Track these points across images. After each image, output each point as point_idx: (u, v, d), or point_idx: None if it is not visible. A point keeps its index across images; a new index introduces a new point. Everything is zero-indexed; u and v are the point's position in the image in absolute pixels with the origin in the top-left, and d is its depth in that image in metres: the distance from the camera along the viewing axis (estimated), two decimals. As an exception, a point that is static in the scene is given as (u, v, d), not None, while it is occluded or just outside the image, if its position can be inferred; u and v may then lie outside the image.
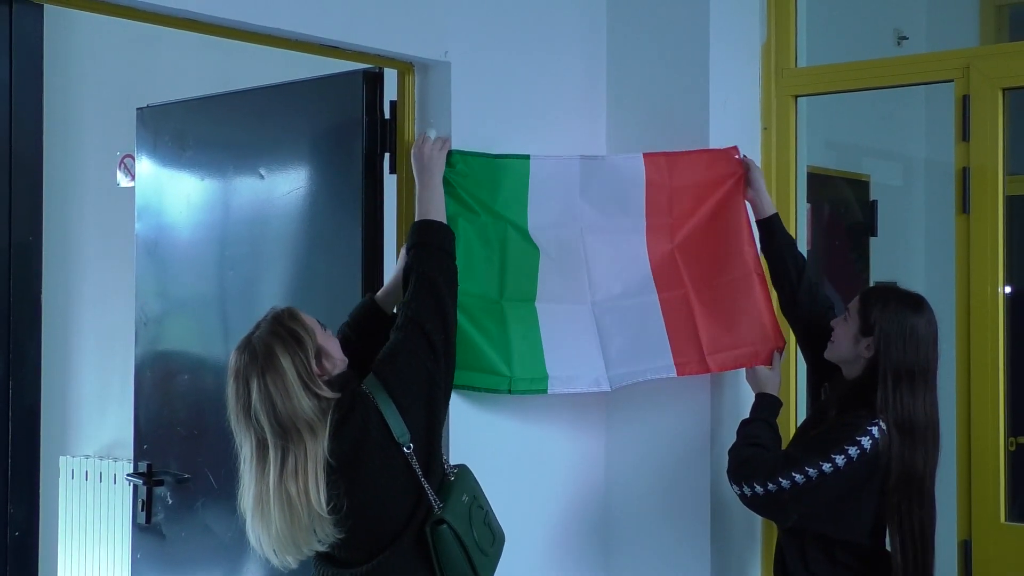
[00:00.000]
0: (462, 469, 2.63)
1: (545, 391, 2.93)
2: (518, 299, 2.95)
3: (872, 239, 4.73)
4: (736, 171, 3.14)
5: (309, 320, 2.51)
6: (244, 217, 3.66)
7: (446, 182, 2.91)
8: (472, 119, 3.25)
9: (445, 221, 2.81)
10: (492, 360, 2.91)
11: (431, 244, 2.67)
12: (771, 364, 3.04)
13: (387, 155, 3.30)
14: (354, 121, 3.30)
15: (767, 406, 2.95)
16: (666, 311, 3.03)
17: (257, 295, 3.61)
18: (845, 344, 2.87)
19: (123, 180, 5.42)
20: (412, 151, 2.87)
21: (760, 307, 3.06)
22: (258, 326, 2.49)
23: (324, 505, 2.36)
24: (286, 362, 2.40)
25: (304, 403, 2.39)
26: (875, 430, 2.74)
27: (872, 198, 4.76)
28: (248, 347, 2.43)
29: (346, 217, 3.35)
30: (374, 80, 3.28)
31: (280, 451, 2.39)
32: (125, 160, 5.38)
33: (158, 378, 3.89)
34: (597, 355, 2.97)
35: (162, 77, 5.11)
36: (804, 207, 3.63)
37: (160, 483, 3.82)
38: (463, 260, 2.86)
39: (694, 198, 3.10)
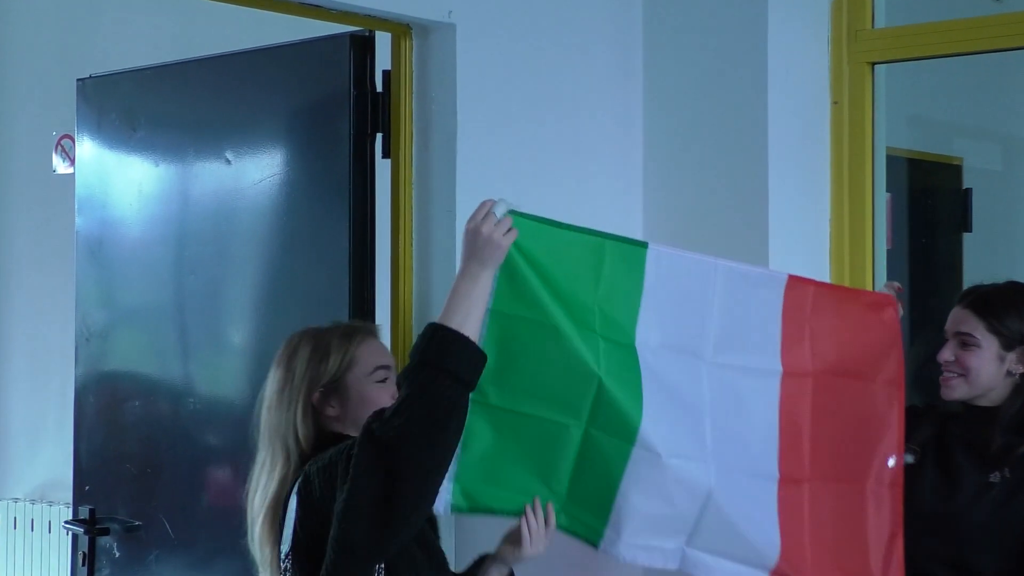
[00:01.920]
0: None
1: (596, 546, 2.68)
2: (608, 433, 2.60)
3: (965, 235, 4.75)
4: (895, 339, 2.93)
5: (372, 351, 2.58)
6: (207, 211, 3.67)
7: (510, 261, 2.49)
8: (480, 93, 3.28)
9: (474, 334, 2.39)
10: (527, 481, 2.62)
11: (433, 365, 2.27)
12: None
13: (379, 136, 3.34)
14: (340, 95, 3.32)
15: None
16: (783, 502, 2.77)
17: (223, 304, 3.65)
18: (987, 371, 2.90)
19: (60, 166, 5.46)
20: (467, 224, 2.46)
21: (881, 537, 2.87)
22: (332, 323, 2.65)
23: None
24: (299, 367, 2.55)
25: (282, 418, 2.53)
26: None
27: (965, 186, 4.77)
28: (294, 335, 2.61)
29: (330, 211, 3.38)
30: (364, 45, 3.30)
31: (269, 459, 2.54)
32: (62, 142, 5.42)
33: (103, 404, 3.91)
34: (684, 527, 2.69)
35: (107, 42, 5.14)
36: (883, 197, 3.63)
37: (105, 532, 3.82)
38: (517, 370, 2.55)
39: (837, 352, 2.86)
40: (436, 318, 2.42)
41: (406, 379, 2.30)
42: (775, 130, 3.48)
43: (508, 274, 2.51)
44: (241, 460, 3.32)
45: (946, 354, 2.96)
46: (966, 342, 2.93)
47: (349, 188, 3.33)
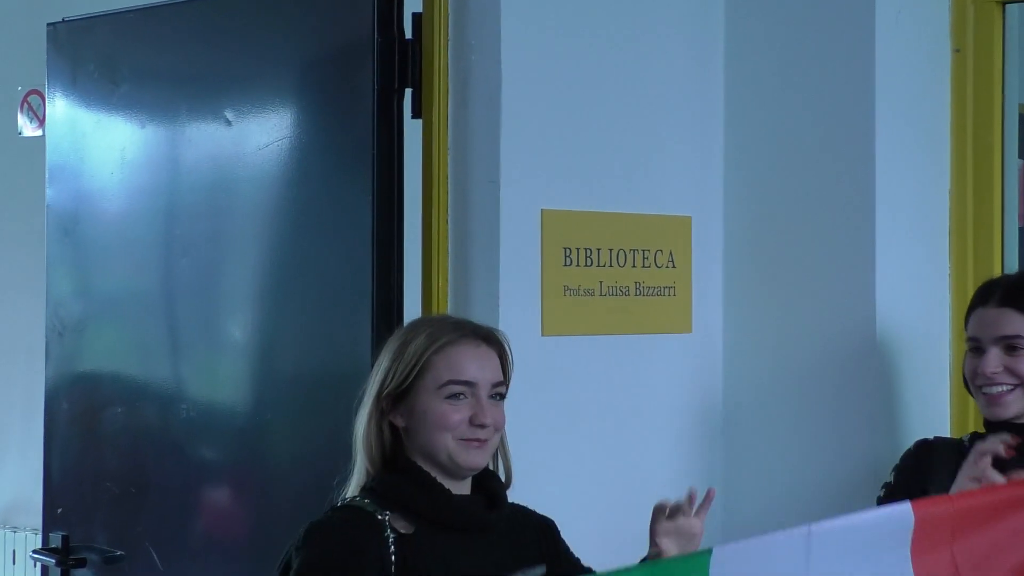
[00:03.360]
0: None
1: None
2: None
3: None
4: None
5: (452, 360, 2.58)
6: (203, 182, 3.67)
7: None
8: (529, 40, 3.30)
9: None
10: None
11: None
12: None
13: (408, 92, 3.36)
14: (361, 43, 3.33)
15: None
16: None
17: (221, 293, 3.66)
18: None
19: (26, 127, 5.47)
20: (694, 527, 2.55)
21: None
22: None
23: None
24: (382, 361, 2.62)
25: (361, 418, 2.61)
26: None
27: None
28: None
29: (350, 182, 3.39)
30: (390, -17, 3.33)
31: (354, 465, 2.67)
32: (29, 98, 5.43)
33: (78, 412, 3.92)
34: None
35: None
36: (1015, 163, 3.65)
37: (81, 563, 3.82)
38: None
39: None
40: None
41: None
42: (883, 84, 3.46)
43: None
44: (243, 477, 3.62)
45: (991, 364, 2.91)
46: (1014, 345, 2.91)
47: (372, 154, 3.33)
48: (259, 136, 3.55)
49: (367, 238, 3.34)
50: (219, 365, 3.67)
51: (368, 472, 2.59)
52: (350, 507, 2.55)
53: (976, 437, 3.00)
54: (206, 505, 3.68)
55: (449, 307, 3.33)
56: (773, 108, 3.64)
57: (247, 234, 3.61)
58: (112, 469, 3.84)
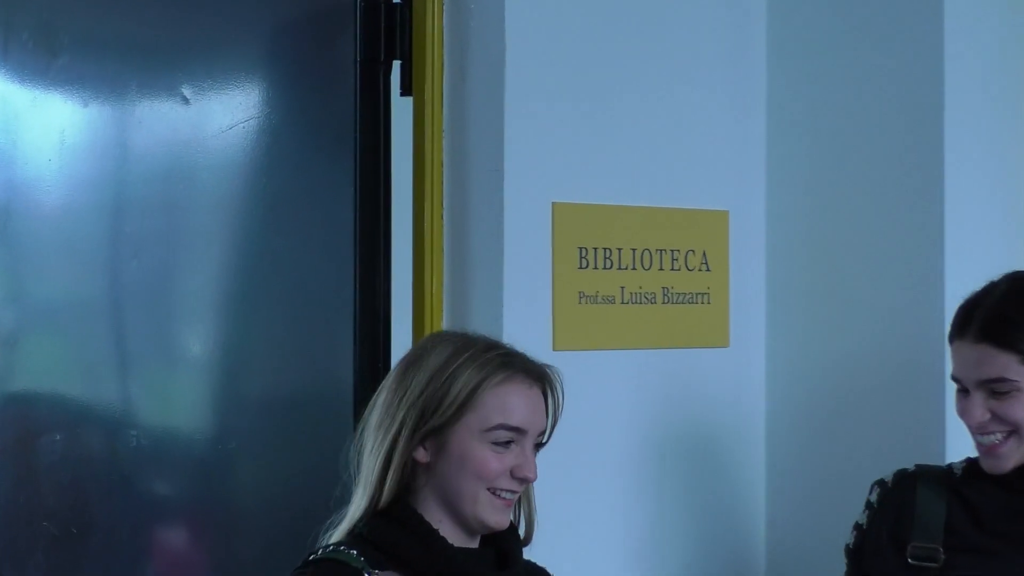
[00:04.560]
0: None
1: None
2: None
3: None
4: None
5: (505, 400, 2.58)
6: (156, 170, 3.67)
7: None
8: (539, 4, 3.30)
9: None
10: None
11: None
12: None
13: (397, 64, 3.36)
14: (341, 6, 3.34)
15: None
16: None
17: (176, 300, 3.67)
18: None
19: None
20: None
21: None
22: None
23: None
24: (415, 384, 2.58)
25: (377, 442, 2.57)
26: None
27: None
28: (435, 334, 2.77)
29: (328, 168, 3.42)
30: (375, -63, 3.33)
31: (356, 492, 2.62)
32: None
33: (9, 439, 3.93)
34: None
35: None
36: None
37: (13, 617, 3.87)
38: None
39: None
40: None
41: None
42: (953, 55, 3.43)
43: None
44: (202, 517, 3.64)
45: (977, 413, 2.83)
46: (997, 390, 2.82)
47: (354, 138, 3.34)
48: (221, 116, 3.55)
49: (348, 237, 3.35)
50: (175, 385, 3.69)
51: (365, 513, 2.56)
52: (332, 560, 2.51)
53: (972, 466, 2.97)
54: (160, 550, 3.68)
55: (444, 317, 3.35)
56: (825, 81, 3.64)
57: (208, 232, 3.61)
58: (49, 506, 3.84)
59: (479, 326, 3.01)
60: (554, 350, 3.32)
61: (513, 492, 2.56)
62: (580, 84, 3.39)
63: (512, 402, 2.56)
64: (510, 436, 2.55)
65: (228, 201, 3.58)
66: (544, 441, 2.61)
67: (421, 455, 2.55)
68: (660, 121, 3.51)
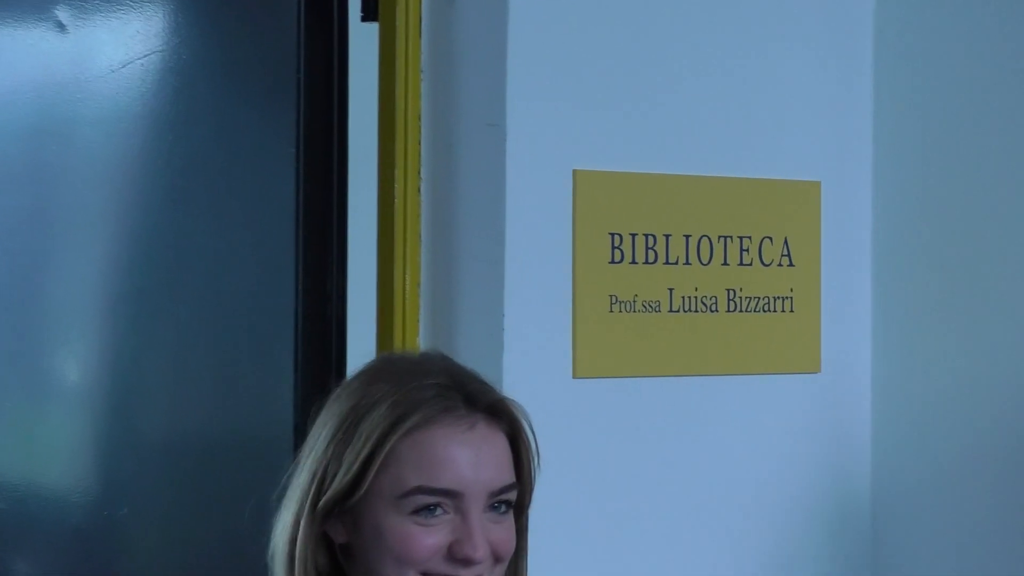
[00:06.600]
0: None
1: None
2: None
3: None
4: None
5: (423, 451, 2.45)
6: (21, 123, 3.64)
7: None
8: None
9: None
10: None
11: None
12: None
13: None
14: None
15: None
16: None
17: (47, 305, 3.65)
18: None
19: None
20: None
21: None
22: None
23: None
24: (318, 438, 2.46)
25: (283, 541, 2.44)
26: None
27: None
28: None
29: (261, 124, 3.53)
30: None
31: None
32: None
33: None
34: None
35: None
36: None
37: None
38: None
39: None
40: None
41: None
42: None
43: None
44: None
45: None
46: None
47: (297, 79, 3.44)
48: (112, 50, 3.60)
49: (289, 217, 3.45)
50: (41, 426, 3.68)
51: None
52: None
53: None
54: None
55: (422, 329, 3.41)
56: (948, 31, 3.71)
57: (92, 210, 3.63)
58: None
59: (470, 345, 3.16)
60: (575, 377, 3.35)
61: None
62: (612, 6, 3.43)
63: (435, 455, 2.43)
64: (434, 501, 2.41)
65: (120, 167, 3.59)
66: (525, 502, 2.48)
67: (338, 534, 2.44)
68: (723, 60, 3.55)
